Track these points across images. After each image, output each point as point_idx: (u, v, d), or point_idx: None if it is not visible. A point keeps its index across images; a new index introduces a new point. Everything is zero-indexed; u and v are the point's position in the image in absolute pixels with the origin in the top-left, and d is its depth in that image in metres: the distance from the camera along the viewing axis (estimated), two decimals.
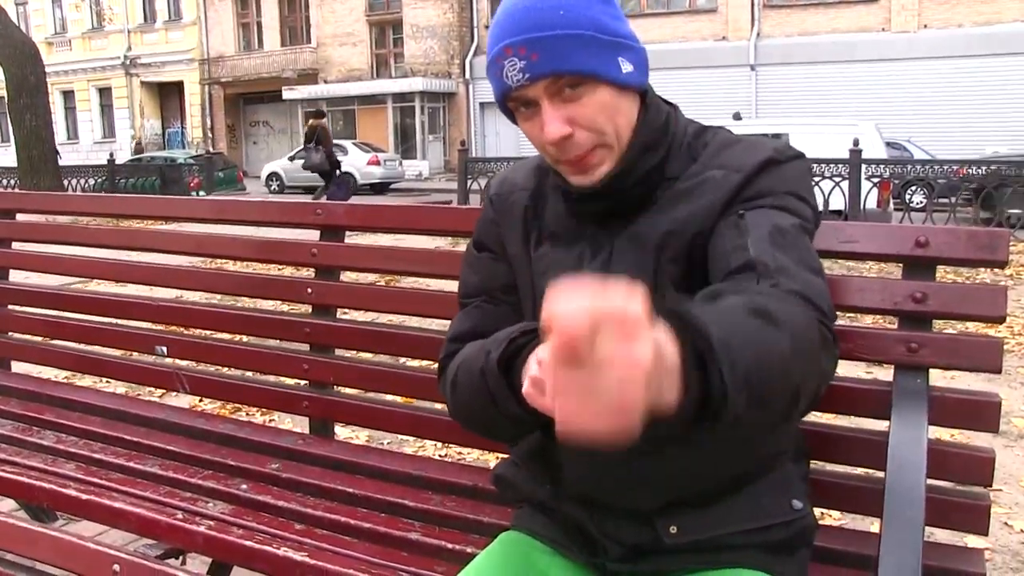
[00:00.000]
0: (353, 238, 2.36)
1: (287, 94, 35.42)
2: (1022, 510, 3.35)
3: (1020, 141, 22.60)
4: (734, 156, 1.34)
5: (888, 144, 16.14)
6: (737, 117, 18.66)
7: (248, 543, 1.77)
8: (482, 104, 32.49)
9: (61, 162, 17.60)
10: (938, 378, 1.63)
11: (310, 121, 20.06)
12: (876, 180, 12.60)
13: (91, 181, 20.82)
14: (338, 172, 20.18)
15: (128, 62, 40.62)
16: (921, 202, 13.96)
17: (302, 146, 21.37)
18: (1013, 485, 3.58)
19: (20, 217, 2.95)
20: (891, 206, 13.13)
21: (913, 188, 13.96)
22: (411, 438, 3.33)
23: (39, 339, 2.91)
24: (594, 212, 1.39)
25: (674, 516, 1.32)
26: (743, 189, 1.30)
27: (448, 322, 1.58)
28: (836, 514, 2.86)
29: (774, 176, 1.31)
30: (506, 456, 1.59)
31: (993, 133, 23.56)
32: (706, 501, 1.32)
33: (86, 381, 3.62)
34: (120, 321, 2.70)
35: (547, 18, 1.27)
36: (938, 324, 1.65)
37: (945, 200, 13.07)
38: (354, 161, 27.59)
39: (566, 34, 1.26)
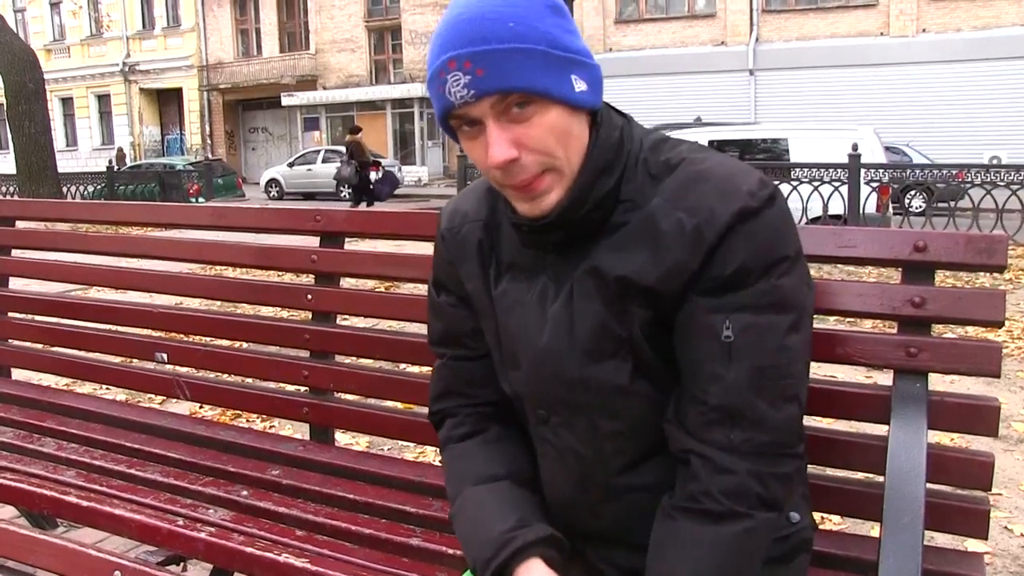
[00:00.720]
0: (352, 244, 2.37)
1: (286, 100, 35.49)
2: (1023, 514, 3.34)
3: (1019, 145, 22.68)
4: (703, 198, 1.20)
5: (887, 148, 16.14)
6: (699, 121, 18.64)
7: (249, 549, 1.76)
8: None
9: (60, 168, 17.60)
10: (938, 382, 1.63)
11: (347, 136, 20.35)
12: (875, 185, 12.60)
13: (90, 188, 20.85)
14: (372, 185, 20.59)
15: (127, 69, 40.67)
16: (920, 206, 13.98)
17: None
18: (1013, 489, 3.58)
19: (20, 224, 2.95)
20: (890, 210, 13.13)
21: (912, 192, 13.97)
22: (411, 444, 3.33)
23: (39, 346, 2.91)
24: (549, 243, 1.30)
25: None
26: (716, 250, 1.19)
27: None
28: (836, 519, 2.87)
29: (751, 240, 1.19)
30: None
31: (992, 137, 23.63)
32: None
33: (86, 388, 3.63)
34: (120, 328, 2.71)
35: (495, 30, 1.16)
36: (938, 328, 1.66)
37: (944, 204, 13.10)
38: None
39: (515, 48, 1.16)
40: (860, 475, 1.66)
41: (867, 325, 4.35)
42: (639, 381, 1.28)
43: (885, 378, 1.66)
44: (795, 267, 1.22)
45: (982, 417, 1.58)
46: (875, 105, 25.18)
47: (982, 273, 6.58)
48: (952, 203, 12.76)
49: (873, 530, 1.56)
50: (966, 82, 25.08)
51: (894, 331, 1.64)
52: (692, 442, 1.22)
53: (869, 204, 12.46)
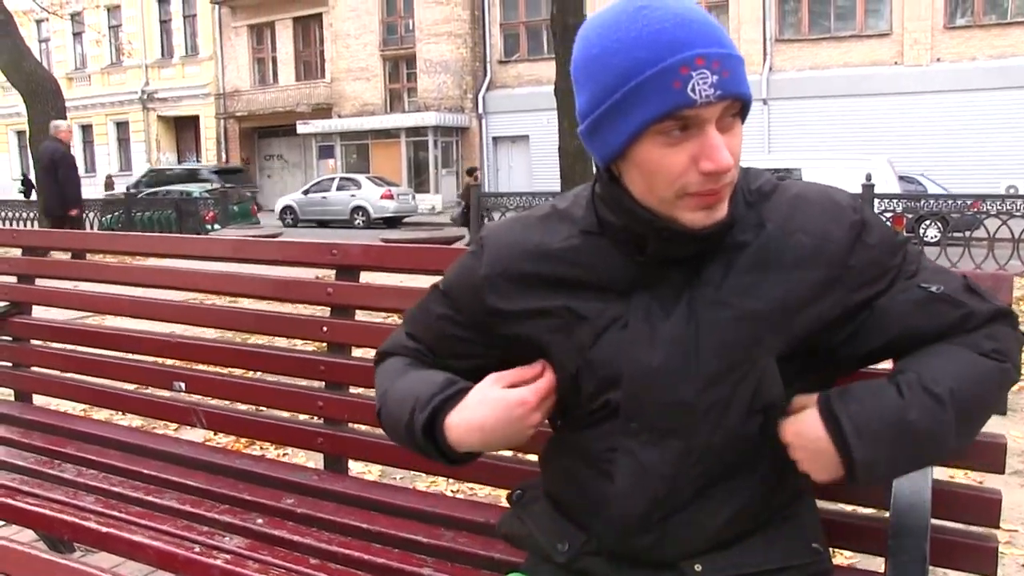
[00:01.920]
0: (366, 276, 2.41)
1: (301, 128, 35.76)
2: None
3: None
4: (814, 219, 1.29)
5: (902, 178, 16.17)
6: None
7: None
8: (495, 138, 32.72)
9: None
10: None
11: (466, 179, 20.58)
12: (889, 215, 12.62)
13: (108, 215, 21.00)
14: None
15: (145, 96, 41.12)
16: (935, 237, 13.96)
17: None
18: None
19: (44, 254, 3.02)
20: None
21: (927, 223, 13.96)
22: (423, 474, 3.36)
23: (59, 373, 2.96)
24: (669, 258, 1.30)
25: (696, 556, 1.33)
26: (848, 263, 1.29)
27: None
28: (848, 553, 2.87)
29: (873, 240, 1.31)
30: (505, 506, 1.62)
31: (1009, 167, 23.56)
32: (728, 542, 1.34)
33: (102, 414, 3.67)
34: (139, 356, 2.75)
35: (726, 38, 1.19)
36: None
37: (959, 234, 13.08)
38: (368, 195, 27.83)
39: (740, 57, 1.20)
40: (867, 510, 1.67)
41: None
42: (756, 414, 1.31)
43: None
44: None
45: (988, 453, 1.59)
46: (889, 134, 25.18)
47: None
48: (967, 233, 12.72)
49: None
50: (982, 111, 25.04)
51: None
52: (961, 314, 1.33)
53: None
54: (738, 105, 1.21)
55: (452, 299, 1.48)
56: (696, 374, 1.29)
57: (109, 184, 34.73)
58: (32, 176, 19.20)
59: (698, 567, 1.32)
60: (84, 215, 13.28)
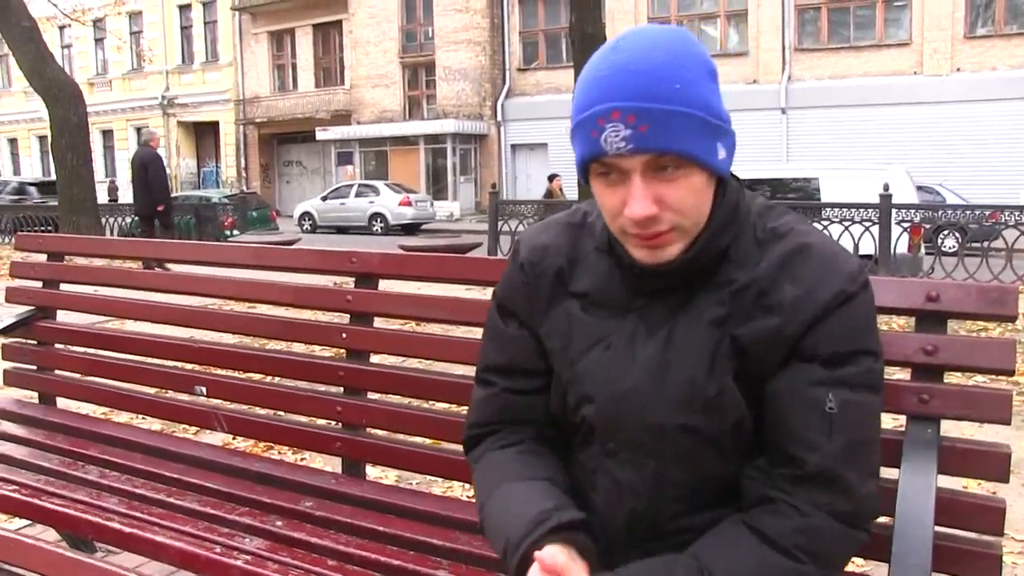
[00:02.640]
0: (385, 284, 2.46)
1: (320, 134, 35.90)
2: None
3: None
4: (809, 272, 1.29)
5: (920, 188, 16.07)
6: None
7: None
8: (513, 146, 32.74)
9: (99, 200, 17.88)
10: (970, 429, 1.66)
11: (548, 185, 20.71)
12: (907, 225, 12.55)
13: (128, 219, 21.13)
14: None
15: (165, 102, 41.40)
16: (953, 247, 13.89)
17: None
18: None
19: (68, 259, 3.08)
20: (922, 251, 13.06)
21: (945, 233, 13.88)
22: (439, 479, 3.40)
23: (83, 376, 3.01)
24: (655, 288, 1.35)
25: None
26: (819, 323, 1.27)
27: (473, 369, 1.62)
28: (859, 560, 2.88)
29: (854, 320, 1.28)
30: None
31: None
32: None
33: (122, 417, 3.72)
34: (160, 361, 2.80)
35: (663, 90, 1.19)
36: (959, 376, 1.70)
37: (977, 245, 13.01)
38: (386, 202, 27.90)
39: (681, 112, 1.19)
40: None
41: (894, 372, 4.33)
42: (724, 435, 1.33)
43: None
44: (882, 356, 1.32)
45: (991, 463, 1.62)
46: (908, 144, 25.04)
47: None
48: (986, 244, 12.66)
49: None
50: (1002, 121, 24.85)
51: (907, 378, 1.68)
52: (776, 493, 1.29)
53: (901, 244, 12.40)
54: (673, 158, 1.21)
55: (509, 312, 1.52)
56: (663, 397, 1.33)
57: (113, 190, 34.91)
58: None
59: None
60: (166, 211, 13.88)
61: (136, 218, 14.89)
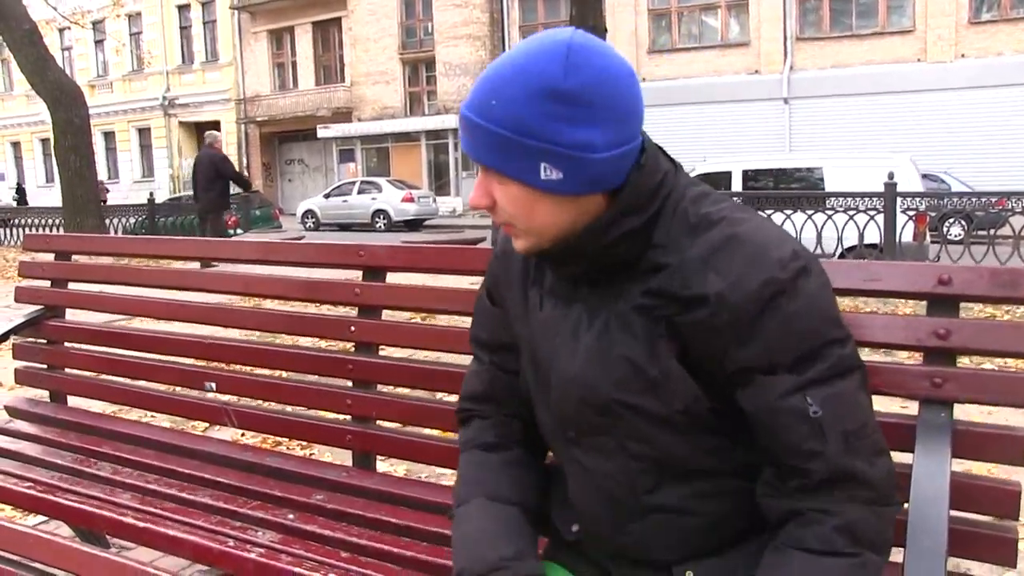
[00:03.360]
0: (392, 277, 2.46)
1: (322, 132, 35.92)
2: None
3: None
4: (734, 262, 1.24)
5: (925, 176, 16.03)
6: None
7: (297, 569, 1.85)
8: None
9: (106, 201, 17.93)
10: (980, 413, 1.66)
11: None
12: (912, 213, 12.52)
13: (131, 220, 21.17)
14: None
15: (167, 103, 41.43)
16: (959, 235, 13.85)
17: None
18: None
19: (76, 258, 3.09)
20: (928, 239, 13.03)
21: (951, 221, 13.84)
22: (448, 471, 3.40)
23: (93, 374, 3.02)
24: (575, 274, 1.38)
25: (690, 562, 1.37)
26: (755, 322, 1.23)
27: None
28: None
29: (797, 319, 1.23)
30: None
31: None
32: (721, 549, 1.37)
33: (133, 415, 3.74)
34: (170, 357, 2.81)
35: (483, 105, 1.26)
36: (974, 359, 1.69)
37: (984, 232, 12.97)
38: (389, 198, 27.90)
39: (485, 128, 1.26)
40: None
41: (902, 356, 4.34)
42: (673, 415, 1.32)
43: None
44: (848, 338, 1.29)
45: (1006, 446, 1.62)
46: (913, 132, 24.97)
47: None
48: (992, 231, 12.62)
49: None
50: (1007, 107, 24.74)
51: (920, 362, 1.68)
52: (798, 504, 1.28)
53: (906, 233, 12.38)
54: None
55: (491, 295, 1.61)
56: (607, 379, 1.34)
57: (102, 191, 34.97)
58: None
59: (690, 573, 1.37)
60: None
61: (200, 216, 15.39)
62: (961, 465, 1.63)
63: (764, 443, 1.30)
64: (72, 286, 3.07)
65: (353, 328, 2.40)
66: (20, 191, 39.95)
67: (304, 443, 4.00)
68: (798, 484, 1.28)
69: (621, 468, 1.38)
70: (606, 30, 13.83)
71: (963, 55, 25.84)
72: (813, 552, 1.26)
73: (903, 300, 7.76)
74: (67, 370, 3.04)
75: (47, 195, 36.71)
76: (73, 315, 3.11)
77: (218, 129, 39.90)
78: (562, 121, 1.22)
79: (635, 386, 1.32)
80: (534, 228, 1.32)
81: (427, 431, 2.43)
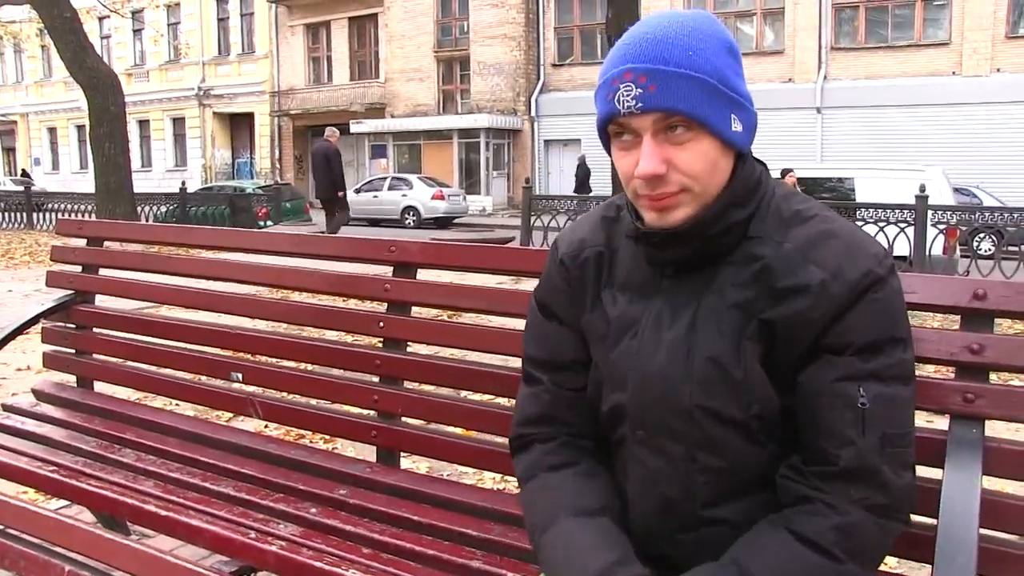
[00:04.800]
0: (423, 274, 2.46)
1: (354, 127, 36.05)
2: None
3: None
4: (833, 254, 1.29)
5: (957, 190, 15.91)
6: None
7: (317, 564, 1.85)
8: (547, 141, 32.72)
9: (135, 189, 18.08)
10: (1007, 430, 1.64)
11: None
12: (943, 227, 12.43)
13: (163, 208, 21.37)
14: None
15: (201, 93, 41.77)
16: (989, 250, 13.72)
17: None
18: None
19: (107, 245, 3.11)
20: (957, 253, 12.93)
21: (981, 235, 13.71)
22: (471, 469, 3.40)
23: (120, 361, 3.04)
24: (670, 260, 1.37)
25: None
26: (848, 312, 1.27)
27: (508, 359, 1.64)
28: (893, 561, 2.85)
29: (882, 308, 1.28)
30: None
31: None
32: None
33: (158, 402, 3.76)
34: (197, 346, 2.82)
35: (674, 54, 1.25)
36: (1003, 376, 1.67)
37: (1015, 248, 12.85)
38: (419, 195, 27.96)
39: (688, 75, 1.25)
40: (915, 517, 1.67)
41: (930, 370, 4.29)
42: (750, 420, 1.33)
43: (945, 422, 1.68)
44: (911, 344, 1.33)
45: None
46: (945, 145, 24.75)
47: None
48: (1023, 247, 12.50)
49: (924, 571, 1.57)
50: None
51: (952, 377, 1.66)
52: (811, 492, 1.29)
53: (936, 246, 12.28)
54: (677, 118, 1.27)
55: (550, 310, 1.55)
56: (689, 379, 1.33)
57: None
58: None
59: None
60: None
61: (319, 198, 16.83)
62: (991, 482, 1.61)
63: (804, 422, 1.31)
64: (103, 272, 3.09)
65: (382, 324, 2.39)
66: (24, 175, 40.34)
67: (327, 437, 4.02)
68: (821, 470, 1.29)
69: (685, 478, 1.38)
70: None
71: (998, 69, 25.60)
72: (803, 541, 1.27)
73: (931, 314, 7.70)
74: (95, 356, 3.07)
75: (81, 181, 37.03)
76: (102, 301, 3.13)
77: (252, 121, 40.37)
78: (738, 75, 1.32)
79: (718, 389, 1.33)
80: (710, 190, 1.31)
81: (451, 429, 2.42)
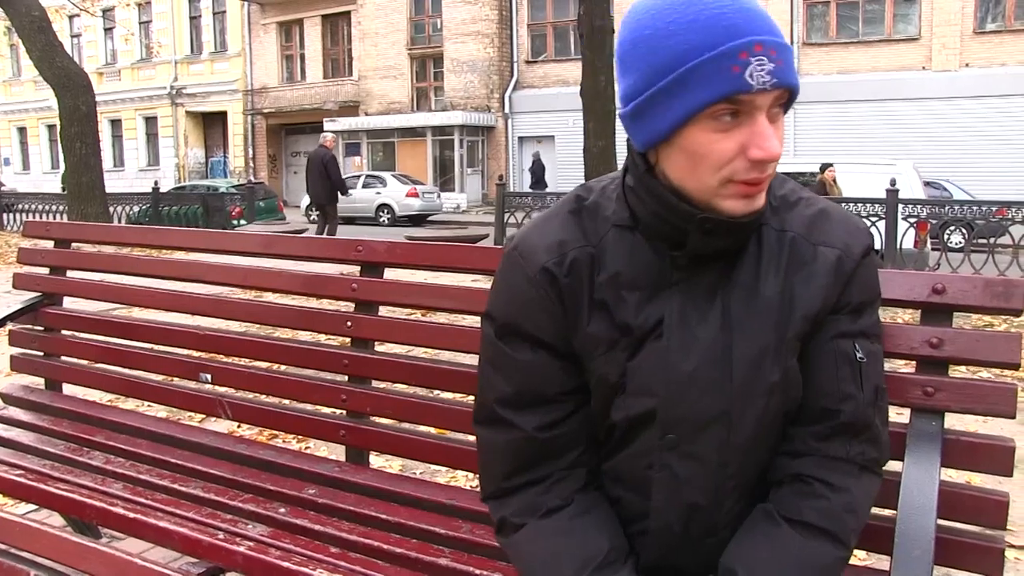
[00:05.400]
0: (391, 273, 2.46)
1: (328, 125, 35.78)
2: None
3: None
4: (836, 233, 1.34)
5: (927, 184, 16.02)
6: None
7: (285, 564, 1.85)
8: (520, 138, 32.70)
9: (107, 188, 17.94)
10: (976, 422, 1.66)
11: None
12: (913, 220, 12.53)
13: (135, 208, 21.18)
14: None
15: (174, 92, 41.39)
16: (959, 243, 13.85)
17: None
18: None
19: (75, 246, 3.09)
20: (928, 246, 13.03)
21: (951, 228, 13.83)
22: (443, 468, 3.41)
23: (87, 363, 3.03)
24: (710, 251, 1.28)
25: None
26: (851, 279, 1.33)
27: (477, 357, 1.47)
28: (861, 554, 2.87)
29: (870, 273, 1.37)
30: None
31: None
32: None
33: (129, 404, 3.74)
34: (167, 348, 2.81)
35: (777, 27, 1.19)
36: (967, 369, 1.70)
37: (984, 241, 12.97)
38: (393, 193, 27.86)
39: (791, 48, 1.19)
40: (874, 510, 1.69)
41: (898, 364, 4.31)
42: (782, 417, 1.34)
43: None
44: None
45: (995, 456, 1.62)
46: (916, 139, 24.96)
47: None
48: (992, 240, 12.63)
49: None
50: (1010, 117, 24.74)
51: (913, 370, 1.68)
52: (807, 460, 1.33)
53: (907, 240, 12.38)
54: (786, 96, 1.21)
55: (534, 338, 1.36)
56: (730, 381, 1.30)
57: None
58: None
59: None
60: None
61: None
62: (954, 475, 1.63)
63: (808, 387, 1.34)
64: (71, 274, 3.07)
65: (350, 323, 2.40)
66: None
67: (300, 436, 4.01)
68: (821, 429, 1.32)
69: (715, 483, 1.33)
70: (613, 30, 13.77)
71: (967, 64, 25.81)
72: (807, 529, 1.29)
73: (904, 308, 7.76)
74: (63, 358, 3.05)
75: (53, 181, 36.65)
76: (71, 303, 3.11)
77: (225, 120, 40.08)
78: None
79: (758, 390, 1.31)
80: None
81: (423, 428, 2.43)
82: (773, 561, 1.28)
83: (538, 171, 28.37)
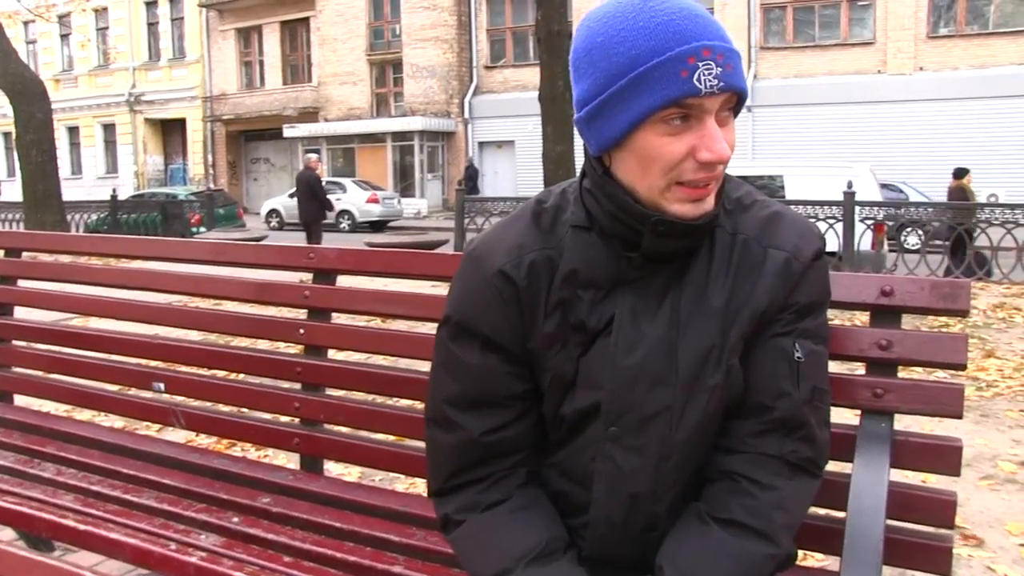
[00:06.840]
0: (344, 280, 2.44)
1: (288, 132, 35.65)
2: (1006, 554, 3.32)
3: (1017, 183, 22.74)
4: (788, 236, 1.36)
5: (884, 186, 16.23)
6: None
7: (238, 574, 1.83)
8: (480, 143, 32.71)
9: (65, 196, 17.73)
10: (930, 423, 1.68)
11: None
12: (870, 222, 12.68)
13: (93, 216, 20.93)
14: None
15: (132, 99, 40.98)
16: (916, 244, 14.04)
17: None
18: (998, 529, 3.55)
19: (25, 255, 3.04)
20: (886, 248, 13.19)
21: (908, 230, 14.03)
22: (402, 475, 3.39)
23: (40, 373, 2.98)
24: (668, 252, 1.31)
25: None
26: (800, 281, 1.34)
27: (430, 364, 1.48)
28: (819, 555, 2.90)
29: (819, 277, 1.38)
30: None
31: (990, 175, 23.68)
32: None
33: (84, 415, 3.69)
34: (119, 357, 2.78)
35: (726, 33, 1.22)
36: (917, 370, 1.72)
37: (940, 242, 13.16)
38: (353, 199, 27.75)
39: (739, 53, 1.22)
40: (822, 511, 1.68)
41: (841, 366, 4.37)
42: (722, 415, 1.36)
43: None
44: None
45: (943, 456, 1.64)
46: (872, 142, 25.27)
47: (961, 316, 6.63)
48: (947, 241, 12.82)
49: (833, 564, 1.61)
50: (963, 120, 25.14)
51: (862, 372, 1.70)
52: (739, 458, 1.34)
53: (864, 242, 12.53)
54: (734, 100, 1.24)
55: (471, 330, 1.38)
56: (675, 377, 1.32)
57: None
58: None
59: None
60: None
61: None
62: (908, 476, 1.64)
63: (747, 383, 1.35)
64: (22, 283, 3.02)
65: (302, 331, 2.38)
66: None
67: (258, 445, 3.98)
68: (754, 426, 1.34)
69: (655, 475, 1.35)
70: (570, 35, 13.82)
71: (921, 68, 26.21)
72: (740, 528, 1.30)
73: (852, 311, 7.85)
74: (14, 368, 3.00)
75: (9, 189, 36.13)
76: (23, 313, 3.07)
77: (184, 127, 39.72)
78: None
79: (700, 387, 1.33)
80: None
81: (378, 436, 2.41)
82: (701, 559, 1.29)
83: (473, 175, 29.56)
